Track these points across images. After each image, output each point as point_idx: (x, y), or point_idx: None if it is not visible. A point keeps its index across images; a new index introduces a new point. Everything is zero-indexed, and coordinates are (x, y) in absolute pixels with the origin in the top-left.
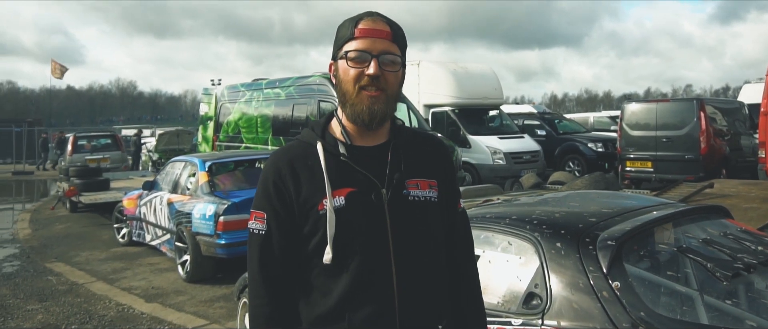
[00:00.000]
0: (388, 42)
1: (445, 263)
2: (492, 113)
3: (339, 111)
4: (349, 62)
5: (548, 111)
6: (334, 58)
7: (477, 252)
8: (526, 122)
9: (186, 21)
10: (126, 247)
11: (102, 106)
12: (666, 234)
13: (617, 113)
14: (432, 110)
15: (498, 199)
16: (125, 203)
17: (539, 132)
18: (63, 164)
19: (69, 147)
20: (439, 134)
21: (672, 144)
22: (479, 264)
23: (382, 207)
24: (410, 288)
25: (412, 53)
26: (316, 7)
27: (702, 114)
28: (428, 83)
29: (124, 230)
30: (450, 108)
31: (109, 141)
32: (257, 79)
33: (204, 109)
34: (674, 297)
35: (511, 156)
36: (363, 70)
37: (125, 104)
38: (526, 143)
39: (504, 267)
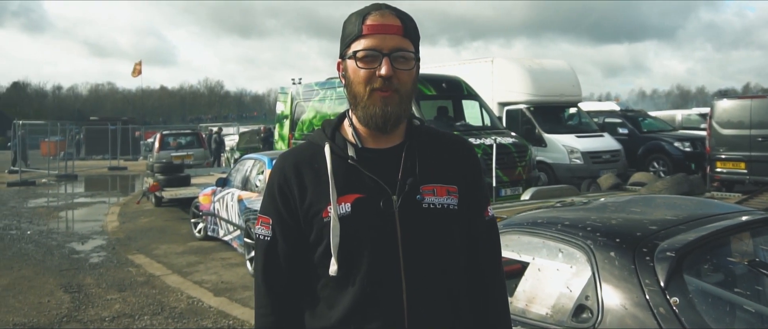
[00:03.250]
0: (399, 37)
1: (468, 276)
2: (570, 110)
3: (350, 112)
4: (358, 62)
5: (632, 109)
6: (342, 56)
7: (526, 259)
8: (606, 119)
9: (269, 21)
10: (201, 242)
11: (191, 105)
12: (739, 246)
13: (708, 110)
14: (506, 108)
15: (571, 200)
16: (201, 199)
17: (621, 130)
18: (150, 160)
19: (156, 144)
20: (466, 138)
21: None
22: (528, 271)
23: (392, 215)
24: (421, 303)
25: (491, 50)
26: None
27: None
28: (502, 80)
29: (201, 225)
30: (525, 106)
31: (192, 139)
32: (331, 78)
33: (280, 107)
34: (742, 316)
35: (590, 155)
36: (374, 71)
37: (213, 102)
38: (605, 142)
39: (554, 276)
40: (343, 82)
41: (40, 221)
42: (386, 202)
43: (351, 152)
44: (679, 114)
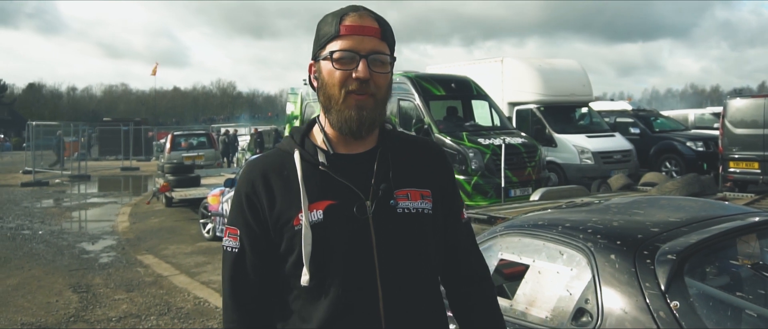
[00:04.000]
0: (377, 40)
1: (450, 282)
2: (581, 110)
3: (321, 117)
4: (334, 63)
5: (644, 108)
6: (315, 58)
7: (527, 261)
8: (618, 119)
9: (281, 21)
10: (210, 242)
11: (204, 105)
12: (744, 248)
13: (721, 109)
14: (516, 108)
15: (581, 201)
16: (210, 199)
17: (633, 130)
18: (161, 160)
19: (167, 145)
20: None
21: None
22: (528, 274)
23: (365, 221)
24: (399, 312)
25: (504, 49)
26: (410, 5)
27: None
28: (512, 80)
29: (209, 226)
30: (535, 106)
31: (204, 139)
32: None
33: (290, 108)
34: (745, 322)
35: (600, 156)
36: (350, 73)
37: (225, 103)
38: (616, 142)
39: (554, 278)
40: (315, 84)
41: (52, 222)
42: (359, 208)
43: (322, 157)
44: (691, 113)
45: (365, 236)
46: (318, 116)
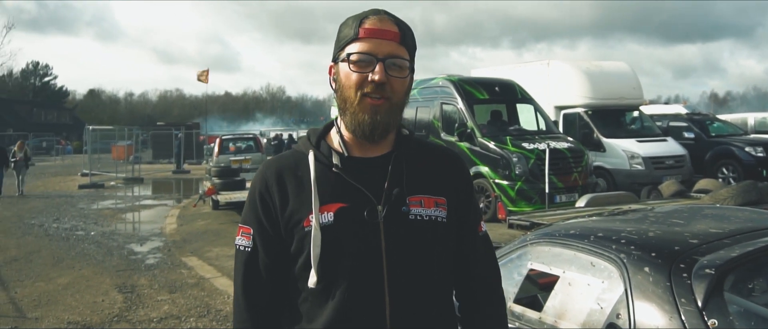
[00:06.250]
0: (395, 44)
1: (462, 295)
2: (632, 114)
3: (339, 119)
4: (351, 66)
5: (699, 112)
6: (335, 60)
7: (557, 271)
8: (671, 123)
9: (330, 25)
10: None
11: (254, 110)
12: None
13: None
14: (563, 112)
15: (629, 208)
16: None
17: (687, 135)
18: (209, 164)
19: (216, 149)
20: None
21: None
22: (558, 285)
23: (376, 226)
24: (406, 319)
25: (555, 51)
26: (458, 6)
27: None
28: (559, 83)
29: None
30: (583, 109)
31: (251, 143)
32: None
33: (334, 112)
34: None
35: (652, 161)
36: (367, 76)
37: (275, 107)
38: (669, 147)
39: (585, 291)
40: (334, 86)
41: (104, 223)
42: (371, 212)
43: (336, 160)
44: (751, 117)
45: (375, 241)
46: (336, 119)
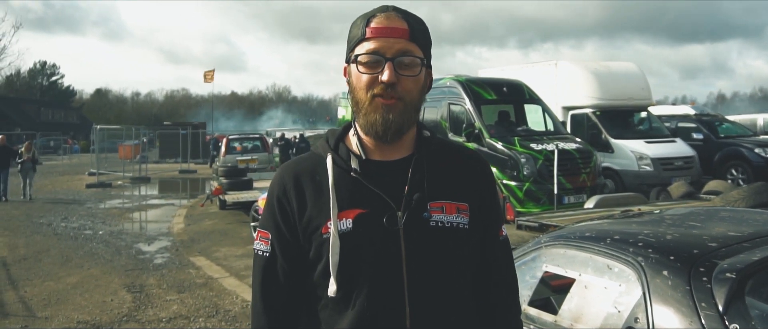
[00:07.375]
0: (404, 41)
1: (479, 301)
2: (640, 114)
3: (355, 121)
4: (360, 67)
5: (707, 112)
6: (347, 60)
7: (573, 274)
8: (679, 124)
9: (336, 25)
10: None
11: (260, 110)
12: None
13: None
14: (571, 113)
15: (640, 209)
16: (260, 202)
17: (695, 136)
18: (217, 164)
19: (222, 148)
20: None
21: None
22: (574, 288)
23: (396, 233)
24: (426, 328)
25: (562, 51)
26: (464, 6)
27: None
28: (566, 84)
29: None
30: (591, 110)
31: (257, 143)
32: None
33: (342, 112)
34: None
35: (660, 162)
36: (376, 76)
37: (281, 107)
38: (677, 148)
39: (601, 294)
40: (348, 87)
41: (112, 222)
42: (390, 219)
43: (354, 164)
44: (760, 118)
45: (395, 248)
46: (353, 120)
